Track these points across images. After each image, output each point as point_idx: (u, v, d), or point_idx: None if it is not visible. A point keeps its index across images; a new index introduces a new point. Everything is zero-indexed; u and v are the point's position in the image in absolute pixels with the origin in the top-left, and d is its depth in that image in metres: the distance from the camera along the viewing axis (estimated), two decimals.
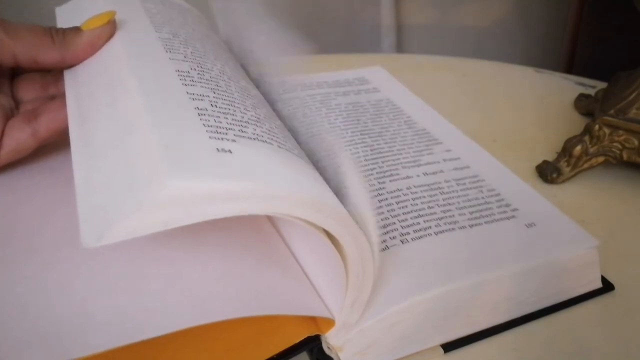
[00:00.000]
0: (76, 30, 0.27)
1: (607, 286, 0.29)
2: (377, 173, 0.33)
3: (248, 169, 0.18)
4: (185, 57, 0.25)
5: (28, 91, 0.30)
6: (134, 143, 0.19)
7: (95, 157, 0.20)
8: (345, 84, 0.45)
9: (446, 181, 0.32)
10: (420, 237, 0.27)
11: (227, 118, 0.21)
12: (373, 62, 0.53)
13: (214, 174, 0.17)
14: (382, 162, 0.34)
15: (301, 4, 0.79)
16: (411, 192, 0.31)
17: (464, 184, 0.32)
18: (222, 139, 0.19)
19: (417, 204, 0.30)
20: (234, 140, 0.20)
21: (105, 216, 0.17)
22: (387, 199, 0.30)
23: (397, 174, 0.33)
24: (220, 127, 0.20)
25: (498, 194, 0.31)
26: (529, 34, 0.86)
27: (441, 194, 0.31)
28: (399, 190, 0.31)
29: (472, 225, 0.29)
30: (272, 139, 0.21)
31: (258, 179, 0.18)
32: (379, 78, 0.47)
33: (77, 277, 0.22)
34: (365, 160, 0.34)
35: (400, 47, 0.84)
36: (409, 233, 0.28)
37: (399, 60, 0.63)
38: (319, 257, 0.23)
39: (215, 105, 0.22)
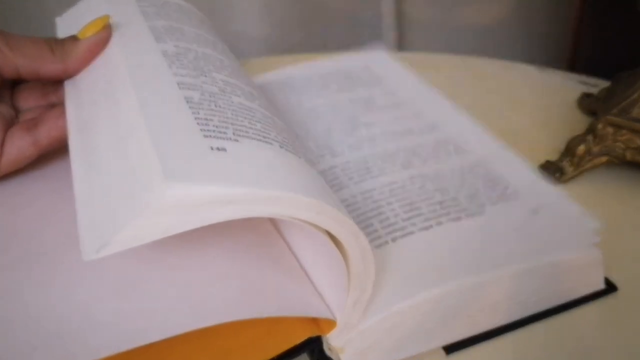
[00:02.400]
0: (73, 39, 0.27)
1: (610, 287, 0.29)
2: (372, 164, 0.32)
3: (247, 172, 0.18)
4: (179, 55, 0.25)
5: (28, 100, 0.30)
6: (130, 150, 0.19)
7: (93, 167, 0.20)
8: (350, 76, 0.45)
9: (449, 170, 0.32)
10: (424, 229, 0.27)
11: (225, 120, 0.21)
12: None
13: (212, 179, 0.17)
14: (379, 153, 0.34)
15: (301, 2, 0.79)
16: (410, 184, 0.31)
17: (468, 171, 0.32)
18: (220, 138, 0.19)
19: (416, 196, 0.30)
20: (235, 140, 0.19)
21: (103, 228, 0.17)
22: (383, 192, 0.30)
23: (393, 168, 0.32)
24: (218, 129, 0.20)
25: (502, 179, 0.31)
26: (531, 33, 0.86)
27: (441, 184, 0.31)
28: (394, 182, 0.31)
29: (475, 215, 0.28)
30: (272, 139, 0.21)
31: (257, 182, 0.18)
32: (382, 65, 0.46)
33: (78, 281, 0.22)
34: (363, 154, 0.34)
35: (401, 44, 0.84)
36: (408, 227, 0.28)
37: (400, 59, 0.63)
38: (320, 257, 0.23)
39: (212, 107, 0.22)
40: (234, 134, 0.20)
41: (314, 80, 0.43)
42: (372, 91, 0.42)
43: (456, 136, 0.35)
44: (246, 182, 0.18)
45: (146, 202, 0.16)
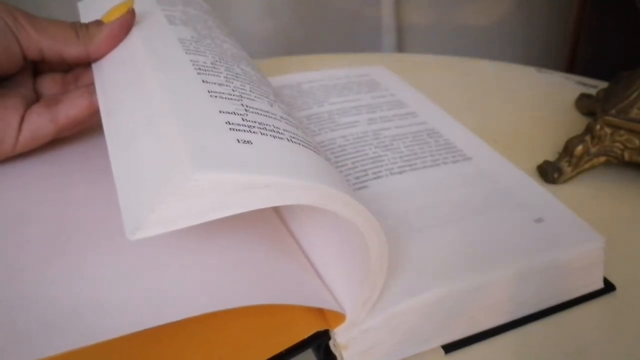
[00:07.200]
0: (97, 24, 0.28)
1: (608, 287, 0.29)
2: (384, 169, 0.33)
3: (276, 159, 0.18)
4: (196, 42, 0.26)
5: (50, 88, 0.30)
6: (158, 137, 0.19)
7: (124, 150, 0.20)
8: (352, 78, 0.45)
9: (450, 177, 0.32)
10: (426, 229, 0.28)
11: (246, 111, 0.21)
12: (374, 61, 0.53)
13: (241, 165, 0.17)
14: (391, 159, 0.34)
15: (302, 3, 0.79)
16: (418, 188, 0.31)
17: (472, 178, 0.32)
18: (245, 132, 0.19)
19: (422, 198, 0.30)
20: (260, 134, 0.20)
21: (138, 210, 0.17)
22: (392, 194, 0.30)
23: (404, 172, 0.33)
24: (242, 122, 0.20)
25: (506, 188, 0.31)
26: (530, 34, 0.86)
27: (447, 187, 0.31)
28: (411, 187, 0.31)
29: (477, 216, 0.29)
30: (296, 138, 0.21)
31: (289, 170, 0.18)
32: (383, 77, 0.47)
33: (92, 263, 0.22)
34: (374, 162, 0.34)
35: (400, 46, 0.84)
36: (409, 227, 0.28)
37: (400, 59, 0.63)
38: (335, 252, 0.23)
39: (235, 95, 0.22)
40: (258, 126, 0.20)
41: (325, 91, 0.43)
42: (380, 100, 0.42)
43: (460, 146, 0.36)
44: (278, 170, 0.18)
45: (176, 186, 0.16)
